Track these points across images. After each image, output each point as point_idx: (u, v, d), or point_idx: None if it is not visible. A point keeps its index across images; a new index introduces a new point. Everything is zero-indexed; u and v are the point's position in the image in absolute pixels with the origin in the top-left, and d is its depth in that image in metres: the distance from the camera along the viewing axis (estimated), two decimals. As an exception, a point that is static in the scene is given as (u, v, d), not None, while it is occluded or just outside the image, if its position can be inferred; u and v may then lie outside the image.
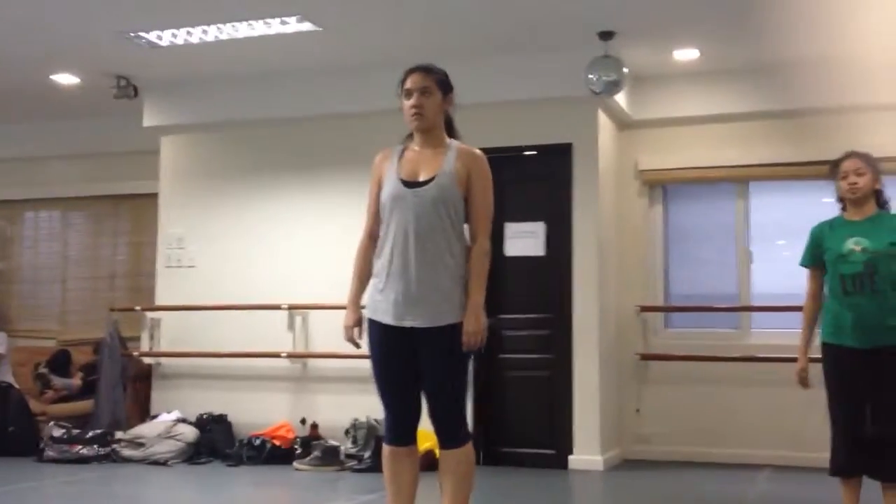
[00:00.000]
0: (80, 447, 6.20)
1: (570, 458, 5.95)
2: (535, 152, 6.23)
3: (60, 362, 7.32)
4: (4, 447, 6.40)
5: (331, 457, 5.95)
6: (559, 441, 5.99)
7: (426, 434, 3.27)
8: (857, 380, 3.71)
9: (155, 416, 6.60)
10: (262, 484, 5.66)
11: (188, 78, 6.66)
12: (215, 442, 6.32)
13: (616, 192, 6.53)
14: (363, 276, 3.32)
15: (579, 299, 6.01)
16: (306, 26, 5.56)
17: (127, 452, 6.22)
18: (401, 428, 3.24)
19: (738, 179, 6.47)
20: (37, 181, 8.13)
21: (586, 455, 5.91)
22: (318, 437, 6.20)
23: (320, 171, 6.65)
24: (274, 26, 5.57)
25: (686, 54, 6.02)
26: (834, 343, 3.76)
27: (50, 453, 6.19)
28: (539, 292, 6.16)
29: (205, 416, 6.45)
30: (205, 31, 5.68)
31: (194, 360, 6.71)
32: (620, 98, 6.13)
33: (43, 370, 7.20)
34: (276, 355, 6.49)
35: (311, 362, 6.54)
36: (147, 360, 6.90)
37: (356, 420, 6.05)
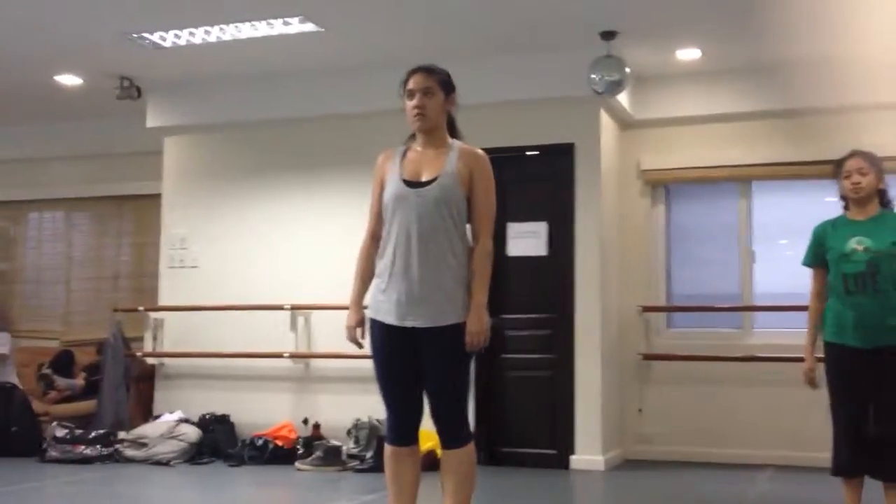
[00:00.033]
0: (83, 447, 6.22)
1: (572, 458, 5.95)
2: (537, 152, 6.24)
3: (64, 363, 7.33)
4: (8, 447, 6.41)
5: (333, 457, 5.96)
6: (561, 441, 6.00)
7: (428, 434, 3.27)
8: (858, 379, 3.71)
9: (158, 417, 6.61)
10: (264, 484, 5.67)
11: (191, 79, 6.68)
12: (218, 442, 6.33)
13: (618, 191, 6.53)
14: (365, 276, 3.32)
15: (581, 299, 6.02)
16: (308, 27, 5.57)
17: (130, 453, 6.23)
18: (403, 428, 3.25)
19: (741, 179, 6.47)
20: (40, 182, 8.15)
21: (588, 455, 5.91)
22: (321, 438, 6.20)
23: (322, 171, 6.66)
24: (276, 27, 5.58)
25: (688, 54, 6.03)
26: (836, 342, 3.76)
27: (53, 453, 6.20)
28: (541, 292, 6.17)
29: (207, 417, 6.46)
30: (207, 32, 5.70)
31: (197, 361, 6.72)
32: (622, 98, 6.14)
33: (46, 371, 7.22)
34: (279, 355, 6.50)
35: (314, 362, 6.54)
36: (150, 360, 6.92)
37: (358, 420, 6.06)
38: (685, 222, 6.72)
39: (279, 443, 6.18)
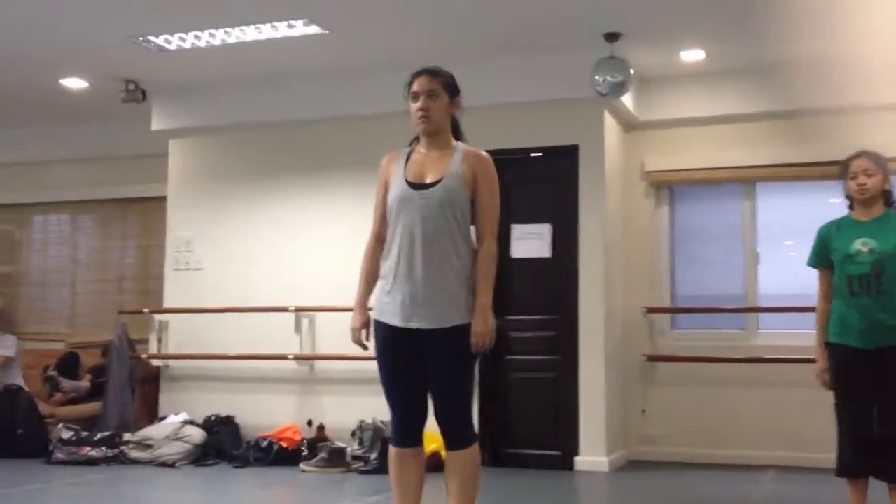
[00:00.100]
0: (88, 449, 6.23)
1: (576, 459, 5.95)
2: (541, 154, 6.24)
3: (69, 365, 7.35)
4: (13, 449, 6.43)
5: (337, 458, 5.97)
6: (565, 442, 6.00)
7: (432, 435, 3.27)
8: (862, 380, 3.71)
9: (163, 418, 6.63)
10: (268, 485, 5.68)
11: (196, 81, 6.69)
12: (222, 444, 6.35)
13: (622, 193, 6.53)
14: (370, 278, 3.33)
15: (585, 301, 6.02)
16: (313, 29, 5.59)
17: (135, 454, 6.25)
18: (407, 429, 3.25)
19: (745, 180, 6.46)
20: (45, 185, 8.17)
21: (592, 456, 5.91)
22: (325, 439, 6.21)
23: (327, 173, 6.67)
24: (281, 30, 5.60)
25: (692, 55, 6.03)
26: (840, 343, 3.76)
27: (58, 455, 6.22)
28: (545, 294, 6.17)
29: (212, 418, 6.47)
30: (212, 35, 5.71)
31: (202, 363, 6.74)
32: (626, 99, 6.14)
33: (52, 373, 7.24)
34: (283, 357, 6.51)
35: (318, 364, 6.55)
36: (155, 362, 6.93)
37: (362, 422, 6.06)
38: (689, 223, 6.72)
39: (284, 444, 6.19)
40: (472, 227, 3.26)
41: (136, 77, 6.63)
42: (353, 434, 6.09)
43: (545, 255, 6.17)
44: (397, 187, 3.25)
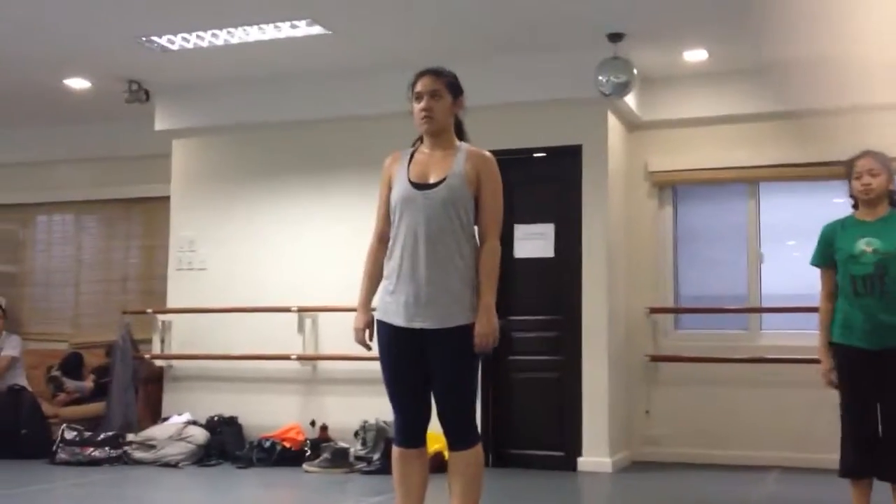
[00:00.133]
0: (91, 449, 6.24)
1: (579, 460, 5.94)
2: (544, 154, 6.24)
3: (73, 365, 7.35)
4: (17, 449, 6.43)
5: (340, 459, 5.97)
6: (568, 443, 5.99)
7: (435, 436, 3.27)
8: (866, 380, 3.70)
9: (166, 419, 6.63)
10: (271, 486, 5.68)
11: (199, 82, 6.70)
12: (226, 444, 6.35)
13: (625, 193, 6.53)
14: (373, 278, 3.33)
15: (588, 301, 6.01)
16: (316, 30, 5.59)
17: (138, 454, 6.25)
18: (410, 430, 3.25)
19: (748, 180, 6.46)
20: (49, 185, 8.18)
21: (595, 457, 5.91)
22: (328, 439, 6.22)
23: (330, 173, 6.67)
24: (284, 30, 5.60)
25: (695, 55, 6.02)
26: (843, 343, 3.75)
27: (62, 455, 6.22)
28: (548, 294, 6.17)
29: (215, 419, 6.48)
30: (215, 35, 5.72)
31: (205, 363, 6.74)
32: (630, 99, 6.13)
33: (55, 373, 7.25)
34: (286, 357, 6.52)
35: (321, 364, 6.56)
36: (158, 362, 6.94)
37: (366, 422, 6.06)
38: (693, 224, 6.71)
39: (287, 445, 6.19)
40: (476, 227, 3.26)
41: (139, 77, 6.64)
42: (357, 434, 6.09)
43: (548, 256, 6.17)
44: (401, 187, 3.25)
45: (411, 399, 3.24)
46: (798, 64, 5.62)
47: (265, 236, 6.79)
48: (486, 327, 3.12)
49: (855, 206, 3.87)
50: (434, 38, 5.72)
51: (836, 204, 4.19)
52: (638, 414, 6.44)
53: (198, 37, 5.74)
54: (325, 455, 5.99)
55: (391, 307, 3.22)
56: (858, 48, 5.25)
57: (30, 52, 6.04)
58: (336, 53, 6.04)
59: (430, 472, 3.31)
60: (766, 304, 6.40)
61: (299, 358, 6.52)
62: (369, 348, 3.31)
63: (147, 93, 6.76)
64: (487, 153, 3.30)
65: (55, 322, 8.21)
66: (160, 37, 5.75)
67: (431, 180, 3.22)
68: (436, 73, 3.30)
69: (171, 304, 6.97)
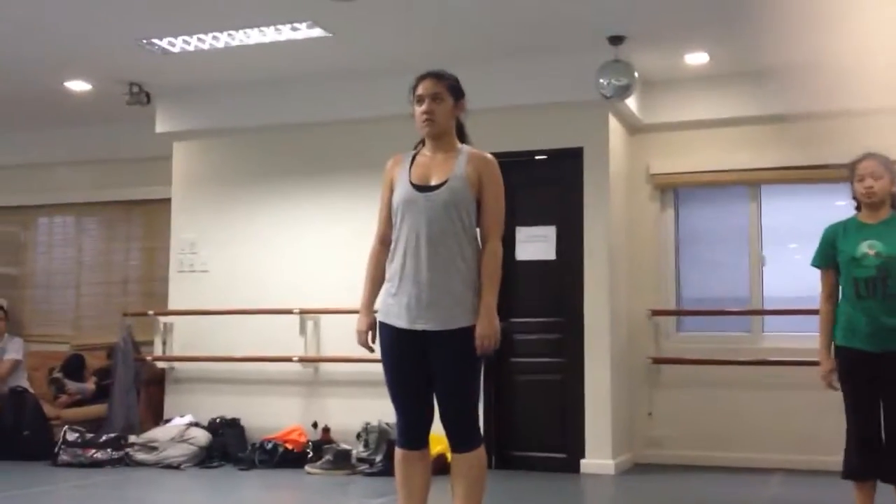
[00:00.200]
0: (93, 451, 6.24)
1: (582, 461, 5.94)
2: (545, 156, 6.24)
3: (74, 367, 7.35)
4: (19, 451, 6.44)
5: (342, 460, 5.97)
6: (571, 445, 5.99)
7: (438, 438, 3.27)
8: (869, 383, 3.70)
9: (168, 420, 6.64)
10: (273, 488, 5.68)
11: (200, 84, 6.70)
12: (227, 446, 6.35)
13: (627, 195, 6.53)
14: (376, 280, 3.33)
15: (590, 303, 6.01)
16: (317, 32, 5.59)
17: (140, 456, 6.26)
18: (413, 431, 3.25)
19: (750, 183, 6.45)
20: (50, 187, 8.19)
21: (598, 459, 5.91)
22: (330, 441, 6.21)
23: (331, 175, 6.67)
24: (285, 33, 5.60)
25: (696, 58, 6.02)
26: (846, 346, 3.75)
27: (64, 457, 6.23)
28: (550, 296, 6.17)
29: (217, 420, 6.48)
30: (216, 38, 5.72)
31: (207, 365, 6.74)
32: (631, 102, 6.13)
33: (57, 375, 7.24)
34: (288, 359, 6.52)
35: (323, 366, 6.56)
36: (160, 364, 6.94)
37: (368, 424, 6.06)
38: (694, 226, 6.71)
39: (289, 446, 6.19)
40: (478, 230, 3.26)
41: (140, 79, 6.64)
42: (359, 436, 6.09)
43: (550, 258, 6.17)
44: (402, 189, 3.25)
45: (414, 401, 3.24)
46: (799, 67, 5.62)
47: (266, 238, 6.80)
48: (488, 329, 3.12)
49: (857, 209, 3.87)
50: (435, 41, 5.72)
51: (837, 207, 4.20)
52: (640, 416, 6.43)
53: (199, 39, 5.75)
54: (328, 457, 5.99)
55: (393, 309, 3.22)
56: (859, 51, 5.25)
57: (30, 54, 6.04)
58: (336, 56, 6.04)
59: (432, 474, 3.31)
60: (767, 307, 6.39)
61: (301, 360, 6.52)
62: (372, 350, 3.31)
63: (148, 95, 6.76)
64: (489, 155, 3.31)
65: (56, 324, 8.21)
66: (161, 39, 5.76)
67: (433, 182, 3.23)
68: (437, 77, 3.30)
69: (172, 305, 6.97)
